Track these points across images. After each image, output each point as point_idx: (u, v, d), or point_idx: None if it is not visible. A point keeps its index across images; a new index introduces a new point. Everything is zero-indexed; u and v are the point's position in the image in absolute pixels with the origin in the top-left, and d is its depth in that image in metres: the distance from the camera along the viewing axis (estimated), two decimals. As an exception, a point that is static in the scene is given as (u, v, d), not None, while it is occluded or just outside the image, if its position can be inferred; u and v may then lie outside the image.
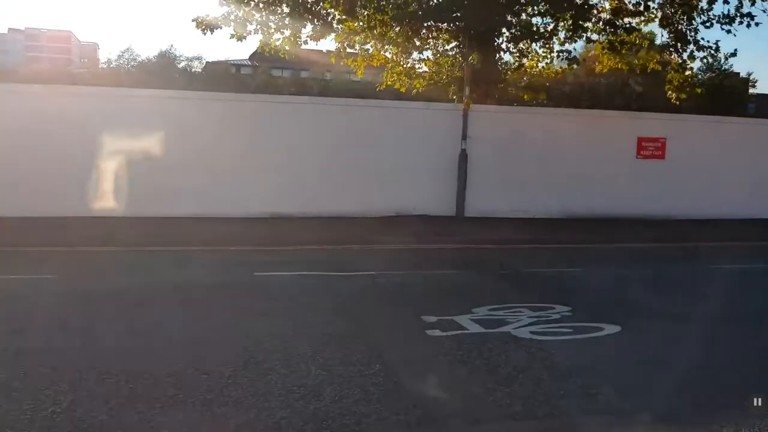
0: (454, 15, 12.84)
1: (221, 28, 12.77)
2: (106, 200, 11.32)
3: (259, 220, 11.75)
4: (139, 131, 11.44)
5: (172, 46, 53.78)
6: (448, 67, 14.05)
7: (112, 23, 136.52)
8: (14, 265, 8.03)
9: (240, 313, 6.09)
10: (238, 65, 60.59)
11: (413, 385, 4.42)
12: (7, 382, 4.24)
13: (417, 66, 14.85)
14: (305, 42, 13.60)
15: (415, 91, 14.40)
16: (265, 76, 52.62)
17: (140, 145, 11.48)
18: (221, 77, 49.97)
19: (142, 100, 12.15)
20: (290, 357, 4.85)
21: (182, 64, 52.75)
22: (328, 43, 12.33)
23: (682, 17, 13.57)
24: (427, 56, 14.86)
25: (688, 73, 14.12)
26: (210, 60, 56.56)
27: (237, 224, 11.29)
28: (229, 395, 4.16)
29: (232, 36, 12.91)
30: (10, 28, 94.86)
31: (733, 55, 14.20)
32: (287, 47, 13.37)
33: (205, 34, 12.78)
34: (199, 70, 53.22)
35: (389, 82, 14.85)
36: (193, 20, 12.45)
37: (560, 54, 14.32)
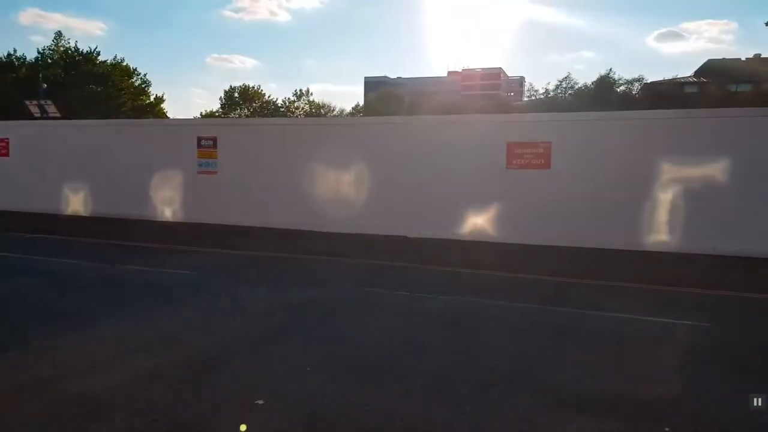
0: None
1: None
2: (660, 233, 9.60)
3: None
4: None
5: (611, 70, 51.76)
6: None
7: (543, 55, 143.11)
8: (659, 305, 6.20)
9: None
10: (681, 83, 55.09)
11: None
12: None
13: None
14: None
15: None
16: (721, 92, 46.02)
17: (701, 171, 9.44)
18: (662, 97, 46.11)
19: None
20: None
21: (621, 88, 50.60)
22: None
23: None
24: None
25: None
26: (649, 80, 52.78)
27: None
28: None
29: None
30: (449, 72, 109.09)
31: None
32: None
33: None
34: (638, 93, 50.23)
35: None
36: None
37: None
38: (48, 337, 4.81)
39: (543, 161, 9.82)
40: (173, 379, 3.90)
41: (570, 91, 52.04)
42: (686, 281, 7.53)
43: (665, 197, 9.27)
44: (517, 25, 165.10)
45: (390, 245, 9.94)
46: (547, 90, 51.79)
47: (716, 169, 9.17)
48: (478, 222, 10.19)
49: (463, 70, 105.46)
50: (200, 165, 12.09)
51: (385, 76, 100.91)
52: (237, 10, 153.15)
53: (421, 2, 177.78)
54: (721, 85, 49.81)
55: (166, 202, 12.38)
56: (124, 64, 39.78)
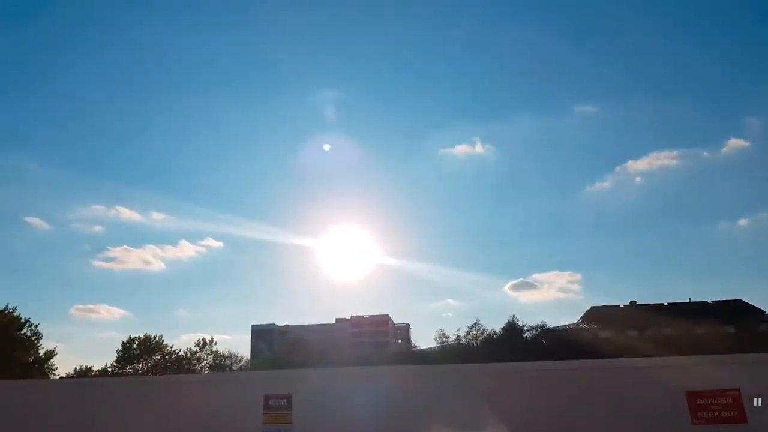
0: None
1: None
2: None
3: None
4: None
5: (514, 316, 53.89)
6: None
7: (414, 304, 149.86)
8: None
9: None
10: (577, 329, 58.78)
11: None
12: None
13: None
14: None
15: None
16: (620, 336, 49.38)
17: None
18: (569, 343, 48.25)
19: None
20: None
21: (525, 334, 52.38)
22: None
23: None
24: None
25: None
26: (548, 327, 55.51)
27: None
28: None
29: None
30: (337, 318, 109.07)
31: None
32: None
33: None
34: (542, 338, 52.25)
35: None
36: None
37: None
38: None
39: (735, 413, 8.33)
40: None
41: (480, 338, 52.94)
42: None
43: None
44: (382, 275, 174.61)
45: None
46: (458, 336, 52.32)
47: None
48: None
49: (351, 317, 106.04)
50: (266, 434, 9.09)
51: (273, 324, 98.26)
52: (107, 260, 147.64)
53: (297, 252, 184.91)
54: (617, 331, 53.56)
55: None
56: (17, 314, 34.38)
